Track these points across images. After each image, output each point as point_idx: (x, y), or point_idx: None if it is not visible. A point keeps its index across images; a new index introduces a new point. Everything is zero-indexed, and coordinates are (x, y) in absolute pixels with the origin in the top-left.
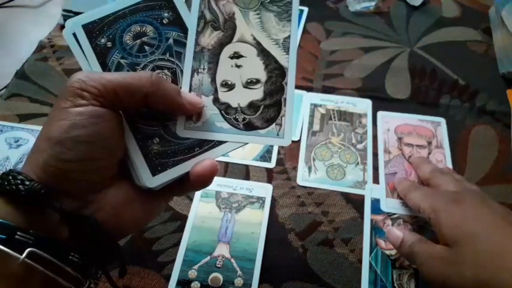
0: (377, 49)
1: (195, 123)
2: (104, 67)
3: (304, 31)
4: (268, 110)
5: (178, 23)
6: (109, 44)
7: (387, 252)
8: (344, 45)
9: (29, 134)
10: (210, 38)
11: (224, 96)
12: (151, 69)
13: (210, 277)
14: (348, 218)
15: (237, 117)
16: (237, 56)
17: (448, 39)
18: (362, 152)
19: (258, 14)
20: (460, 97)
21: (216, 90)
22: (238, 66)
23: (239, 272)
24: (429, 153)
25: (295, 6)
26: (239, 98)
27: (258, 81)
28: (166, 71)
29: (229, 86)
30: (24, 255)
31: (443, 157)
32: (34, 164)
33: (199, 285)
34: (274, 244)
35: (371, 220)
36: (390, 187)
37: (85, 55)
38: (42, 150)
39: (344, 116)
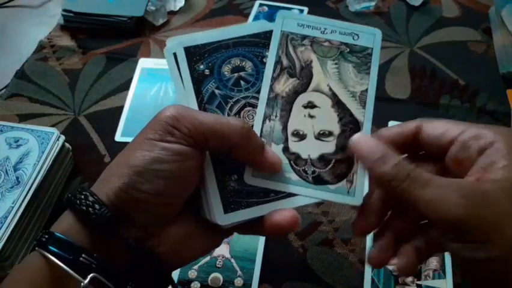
0: None
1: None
2: (198, 93)
3: None
4: (340, 165)
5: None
6: (207, 72)
7: (390, 267)
8: None
9: (29, 134)
10: (285, 85)
11: (294, 146)
12: (242, 105)
13: (210, 277)
14: (348, 218)
15: (307, 169)
16: (311, 105)
17: (448, 39)
18: None
19: (336, 63)
20: (460, 97)
21: (286, 139)
22: (311, 117)
23: (239, 272)
24: None
25: (376, 58)
26: (310, 149)
27: (330, 133)
28: (256, 109)
29: (301, 136)
30: (87, 280)
31: None
32: (108, 187)
33: (199, 285)
34: (274, 244)
35: (374, 234)
36: None
37: (181, 77)
38: (120, 175)
39: None
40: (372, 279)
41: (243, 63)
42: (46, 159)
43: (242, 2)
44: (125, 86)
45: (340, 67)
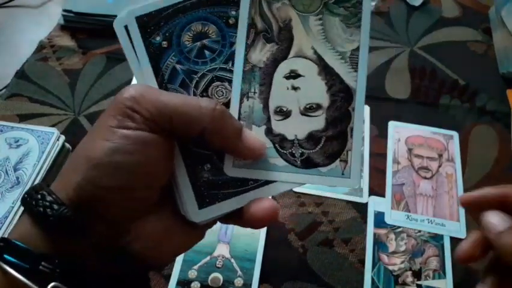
0: (377, 49)
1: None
2: (157, 71)
3: None
4: (331, 143)
5: None
6: (165, 44)
7: (390, 267)
8: None
9: (29, 134)
10: (261, 54)
11: (278, 126)
12: (209, 79)
13: (210, 277)
14: (348, 218)
15: (294, 151)
16: (293, 75)
17: (448, 39)
18: None
19: (320, 19)
20: (460, 97)
21: (268, 119)
22: (295, 89)
23: (239, 272)
24: (439, 166)
25: (367, 7)
26: (296, 127)
27: (319, 106)
28: (226, 84)
29: (285, 114)
30: None
31: (454, 171)
32: (67, 184)
33: (199, 285)
34: (274, 244)
35: (374, 234)
36: (397, 198)
37: (136, 54)
38: (77, 169)
39: None
40: (372, 279)
41: (206, 29)
42: (46, 159)
43: None
44: (126, 86)
45: (325, 23)
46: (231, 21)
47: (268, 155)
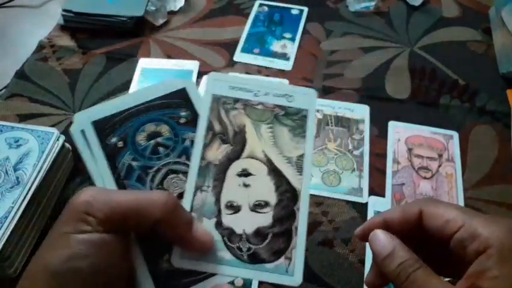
0: (377, 49)
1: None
2: (114, 169)
3: (304, 31)
4: (278, 240)
5: (196, 124)
6: (120, 144)
7: None
8: (344, 45)
9: (29, 134)
10: (217, 152)
11: (228, 220)
12: (165, 173)
13: None
14: (348, 218)
15: (241, 246)
16: (245, 173)
17: (448, 39)
18: (359, 158)
19: (270, 127)
20: (460, 97)
21: (219, 213)
22: (246, 186)
23: None
24: (439, 166)
25: (312, 120)
26: (245, 223)
27: (266, 204)
28: (181, 175)
29: (235, 208)
30: None
31: (454, 171)
32: None
33: None
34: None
35: None
36: (396, 198)
37: (92, 154)
38: (36, 281)
39: (341, 121)
40: None
41: (159, 128)
42: (46, 159)
43: (242, 2)
44: (125, 86)
45: (275, 131)
46: (181, 121)
47: (216, 248)
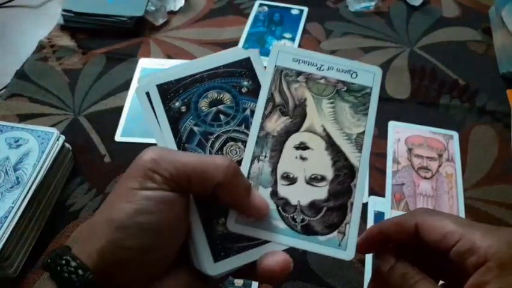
0: (377, 49)
1: (248, 218)
2: (176, 133)
3: (304, 31)
4: (332, 214)
5: (257, 94)
6: (183, 109)
7: None
8: (344, 45)
9: (29, 134)
10: (276, 124)
11: (284, 190)
12: (224, 140)
13: None
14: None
15: (295, 217)
16: (303, 147)
17: (447, 39)
18: None
19: (332, 103)
20: (460, 97)
21: (275, 182)
22: (303, 159)
23: None
24: (439, 166)
25: (375, 99)
26: (300, 194)
27: (323, 178)
28: (239, 143)
29: (291, 180)
30: None
31: (454, 171)
32: (91, 248)
33: None
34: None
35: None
36: (396, 198)
37: (156, 117)
38: (102, 233)
39: None
40: None
41: (221, 96)
42: (46, 159)
43: (242, 2)
44: (125, 86)
45: (336, 107)
46: (243, 90)
47: (270, 216)
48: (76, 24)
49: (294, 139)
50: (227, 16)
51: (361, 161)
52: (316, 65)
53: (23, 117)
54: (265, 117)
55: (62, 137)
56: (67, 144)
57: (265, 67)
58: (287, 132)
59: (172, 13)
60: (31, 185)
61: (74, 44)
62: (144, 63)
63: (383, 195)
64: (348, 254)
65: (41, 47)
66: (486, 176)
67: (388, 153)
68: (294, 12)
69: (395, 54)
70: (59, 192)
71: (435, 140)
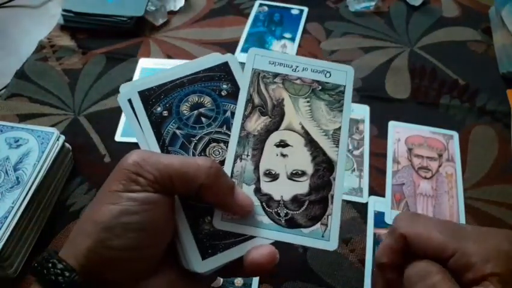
0: (377, 49)
1: (233, 215)
2: (159, 136)
3: (304, 31)
4: (314, 207)
5: (237, 96)
6: (165, 113)
7: None
8: (344, 45)
9: (29, 134)
10: (256, 123)
11: (267, 186)
12: (207, 141)
13: None
14: (348, 218)
15: (279, 211)
16: (283, 144)
17: (448, 39)
18: (359, 158)
19: (308, 101)
20: (460, 97)
21: (258, 180)
22: (283, 156)
23: None
24: (439, 166)
25: (348, 96)
26: (282, 190)
27: (303, 173)
28: (222, 144)
29: (273, 176)
30: None
31: (454, 171)
32: (77, 249)
33: None
34: (274, 244)
35: (374, 234)
36: (396, 198)
37: (139, 122)
38: (87, 234)
39: None
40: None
41: (202, 99)
42: (46, 159)
43: (242, 2)
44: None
45: (312, 105)
46: (223, 93)
47: (255, 212)
48: (76, 24)
49: (274, 137)
50: (227, 16)
51: (339, 155)
52: (292, 67)
53: (23, 117)
54: (245, 117)
55: (62, 137)
56: (67, 144)
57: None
58: (267, 131)
59: (172, 13)
60: (31, 185)
61: (74, 44)
62: (144, 63)
63: (383, 195)
64: (331, 244)
65: (41, 47)
66: (486, 176)
67: (388, 153)
68: (294, 12)
69: (395, 54)
70: (59, 192)
71: (435, 140)
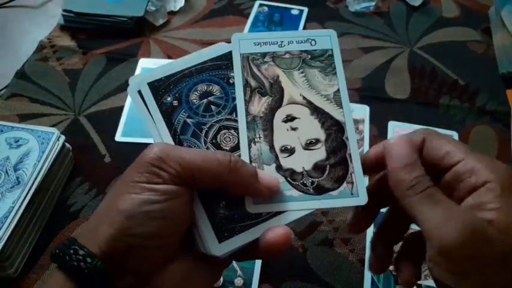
0: (377, 49)
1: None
2: (170, 126)
3: None
4: (336, 169)
5: None
6: (175, 103)
7: (390, 267)
8: (344, 45)
9: (29, 134)
10: (259, 105)
11: (286, 162)
12: (217, 129)
13: None
14: (348, 218)
15: (305, 181)
16: (290, 118)
17: (448, 39)
18: None
19: (302, 72)
20: (460, 97)
21: (276, 158)
22: (294, 129)
23: (239, 272)
24: None
25: (337, 57)
26: (302, 161)
27: (317, 141)
28: (232, 131)
29: (290, 151)
30: None
31: None
32: (100, 237)
33: None
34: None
35: (374, 234)
36: None
37: (150, 113)
38: (110, 222)
39: None
40: (372, 279)
41: (210, 88)
42: (46, 159)
43: (242, 2)
44: (125, 86)
45: (307, 75)
46: (231, 81)
47: (283, 189)
48: (76, 24)
49: (280, 114)
50: (227, 16)
51: (345, 115)
52: (277, 43)
53: (24, 117)
54: (247, 102)
55: (63, 137)
56: (67, 144)
57: None
58: (272, 110)
59: (172, 13)
60: (31, 185)
61: (75, 44)
62: (144, 63)
63: None
64: (361, 199)
65: (41, 47)
66: None
67: None
68: (294, 12)
69: (395, 54)
70: (60, 192)
71: None
